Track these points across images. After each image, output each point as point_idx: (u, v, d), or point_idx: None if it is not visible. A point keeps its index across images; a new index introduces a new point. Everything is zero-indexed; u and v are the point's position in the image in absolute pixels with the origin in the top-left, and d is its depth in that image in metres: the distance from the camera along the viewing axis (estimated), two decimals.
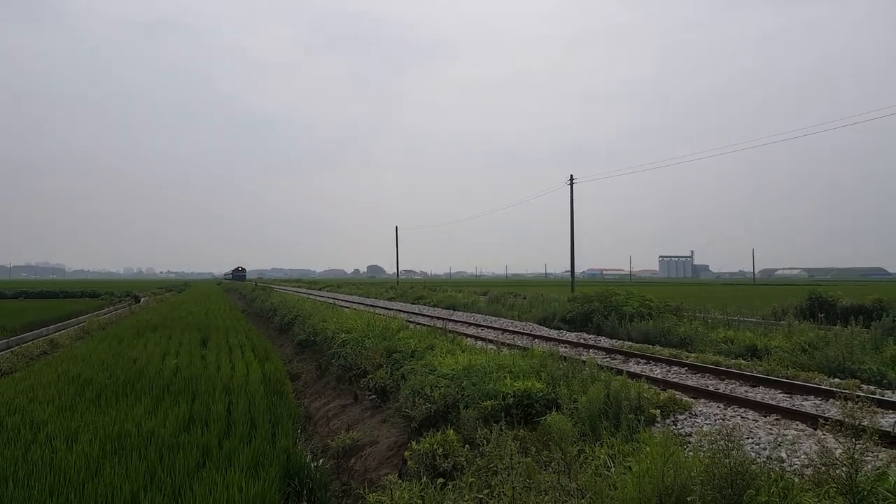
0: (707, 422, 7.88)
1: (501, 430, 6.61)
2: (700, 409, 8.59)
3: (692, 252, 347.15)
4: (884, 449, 6.22)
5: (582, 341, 17.08)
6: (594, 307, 21.42)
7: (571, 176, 42.43)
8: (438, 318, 25.31)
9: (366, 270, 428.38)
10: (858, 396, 5.28)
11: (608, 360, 13.46)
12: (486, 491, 5.47)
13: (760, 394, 9.86)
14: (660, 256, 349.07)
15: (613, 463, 5.81)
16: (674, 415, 8.18)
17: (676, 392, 9.37)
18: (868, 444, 4.59)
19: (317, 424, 12.99)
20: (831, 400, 8.99)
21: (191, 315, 31.02)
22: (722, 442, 4.74)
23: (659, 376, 11.17)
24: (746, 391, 10.09)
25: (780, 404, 8.77)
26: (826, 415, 7.68)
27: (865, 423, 4.69)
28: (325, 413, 13.38)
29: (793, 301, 22.47)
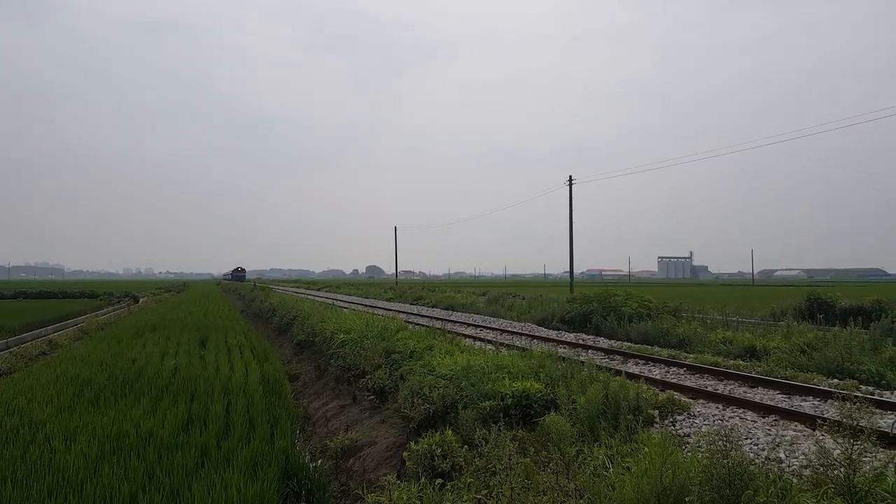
0: (706, 422, 7.89)
1: (500, 430, 6.61)
2: (699, 409, 8.60)
3: (691, 253, 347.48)
4: (882, 449, 6.22)
5: (581, 342, 17.08)
6: (593, 308, 21.43)
7: (570, 177, 42.48)
8: (437, 318, 25.31)
9: (365, 271, 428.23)
10: (857, 397, 5.29)
11: (607, 360, 13.46)
12: (484, 491, 5.48)
13: (759, 394, 9.87)
14: (659, 257, 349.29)
15: (612, 463, 5.81)
16: (672, 415, 8.19)
17: (675, 393, 9.38)
18: (866, 444, 4.59)
19: (315, 425, 12.98)
20: (830, 401, 8.99)
21: (190, 315, 31.00)
22: (720, 442, 4.75)
23: (658, 377, 11.17)
24: (745, 392, 10.10)
25: (779, 405, 8.78)
26: (824, 415, 7.69)
27: (863, 423, 4.70)
28: (324, 413, 13.38)
29: (791, 302, 22.49)
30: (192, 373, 13.46)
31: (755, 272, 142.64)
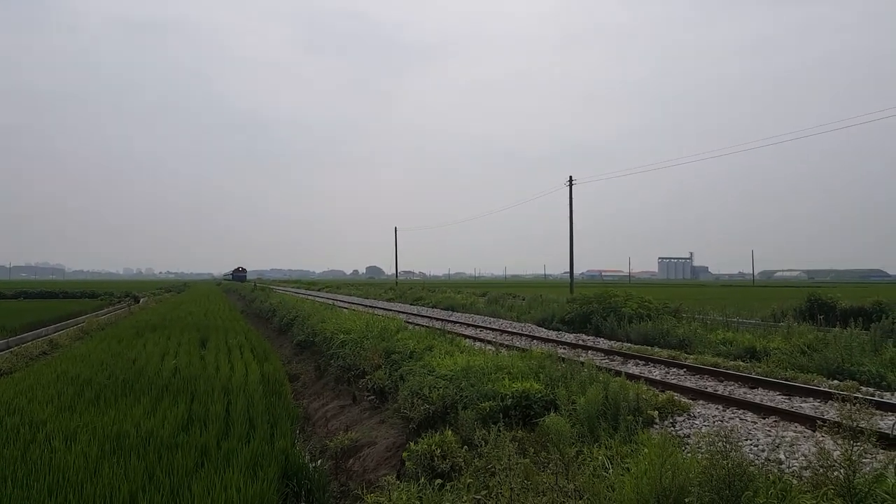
0: (706, 423, 7.89)
1: (500, 431, 6.61)
2: (699, 410, 8.60)
3: (691, 253, 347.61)
4: (882, 451, 6.22)
5: (580, 342, 17.08)
6: (593, 308, 21.43)
7: (570, 177, 42.48)
8: (437, 319, 25.32)
9: (365, 271, 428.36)
10: (857, 398, 5.29)
11: (607, 361, 13.46)
12: (483, 492, 5.48)
13: (759, 395, 9.86)
14: (659, 258, 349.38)
15: (612, 464, 5.81)
16: (672, 416, 8.19)
17: (675, 394, 9.38)
18: (866, 445, 4.59)
19: (315, 425, 12.99)
20: (830, 402, 8.99)
21: (190, 315, 31.02)
22: (720, 443, 4.75)
23: (658, 378, 11.17)
24: (745, 393, 10.09)
25: (779, 406, 8.77)
26: (825, 417, 7.69)
27: (863, 424, 4.70)
28: (324, 414, 13.38)
29: (792, 303, 22.49)
30: (192, 373, 13.47)
31: (755, 273, 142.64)
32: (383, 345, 14.35)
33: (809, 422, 7.73)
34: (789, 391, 10.03)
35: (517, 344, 15.98)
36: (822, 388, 9.89)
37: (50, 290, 69.87)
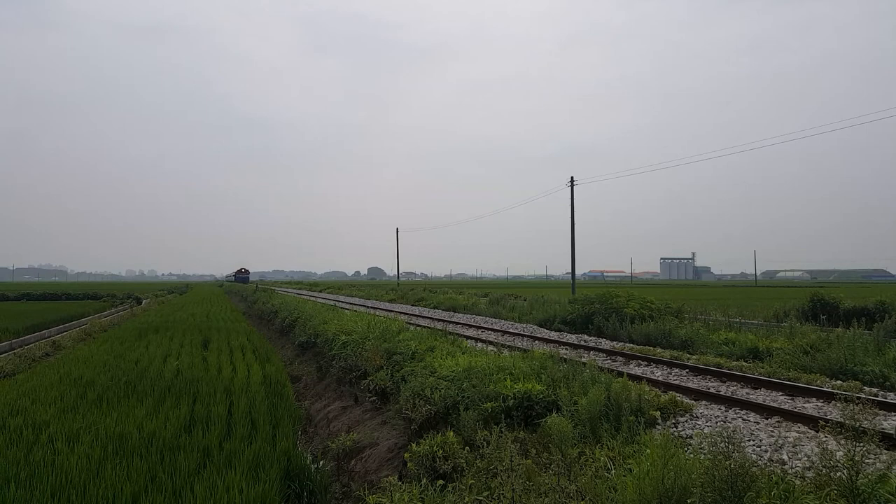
0: (708, 424, 7.87)
1: (501, 431, 6.61)
2: (701, 411, 8.58)
3: (693, 254, 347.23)
4: (885, 451, 6.20)
5: (582, 343, 17.06)
6: (595, 309, 21.41)
7: (572, 178, 42.47)
8: (439, 319, 25.31)
9: (366, 272, 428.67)
10: (860, 398, 5.28)
11: (609, 361, 13.45)
12: (485, 493, 5.48)
13: (762, 396, 9.84)
14: (661, 258, 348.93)
15: (614, 465, 5.81)
16: (675, 417, 8.17)
17: (677, 394, 9.36)
18: (869, 446, 4.58)
19: (317, 426, 12.99)
20: (833, 402, 8.97)
21: (192, 317, 31.04)
22: (722, 444, 4.74)
23: (660, 378, 11.15)
24: (748, 393, 10.07)
25: (782, 406, 8.75)
26: (828, 417, 7.66)
27: (866, 425, 4.69)
28: (326, 415, 13.38)
29: (795, 303, 22.43)
30: (194, 374, 13.47)
31: (758, 273, 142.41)
32: (385, 346, 14.34)
33: (812, 422, 7.70)
34: (792, 391, 10.00)
35: (519, 345, 15.97)
36: (825, 389, 9.86)
37: (53, 291, 70.06)
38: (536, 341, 17.61)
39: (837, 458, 4.83)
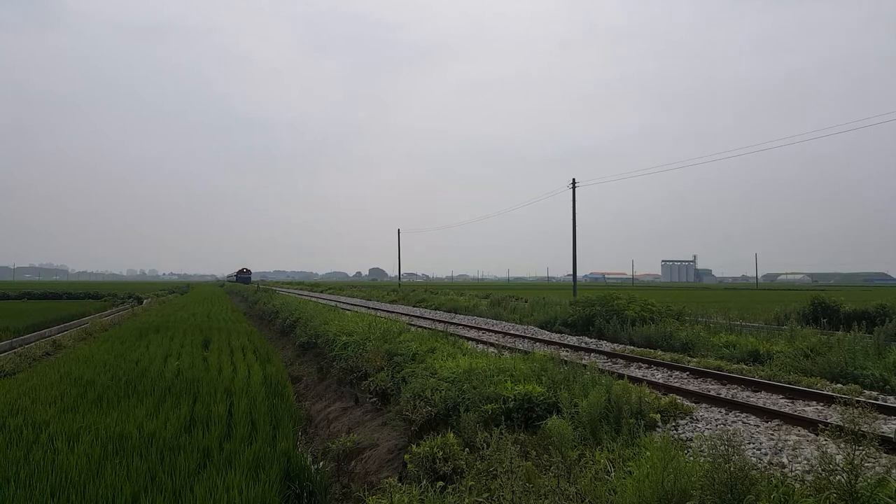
0: (708, 427, 7.87)
1: (502, 433, 6.61)
2: (701, 413, 8.58)
3: (695, 256, 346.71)
4: (885, 455, 6.20)
5: (583, 345, 17.06)
6: (596, 311, 21.41)
7: (573, 179, 42.51)
8: (440, 321, 25.32)
9: (367, 273, 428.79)
10: (859, 402, 5.28)
11: (609, 364, 13.44)
12: (485, 494, 5.48)
13: (762, 399, 9.84)
14: (662, 261, 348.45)
15: (614, 467, 5.81)
16: (675, 419, 8.17)
17: (678, 397, 9.36)
18: (869, 449, 4.58)
19: (318, 427, 12.99)
20: (833, 405, 8.97)
21: (193, 317, 31.06)
22: (722, 447, 4.74)
23: (660, 381, 11.15)
24: (748, 396, 10.07)
25: (782, 409, 8.75)
26: (828, 420, 7.66)
27: (866, 428, 4.69)
28: (326, 415, 13.39)
29: (795, 306, 22.44)
30: (194, 374, 13.48)
31: (759, 276, 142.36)
32: (386, 347, 14.35)
33: (812, 426, 7.70)
34: (792, 395, 10.00)
35: (520, 346, 15.97)
36: (825, 392, 9.85)
37: (53, 291, 70.09)
38: (537, 343, 17.61)
39: (837, 461, 4.83)
